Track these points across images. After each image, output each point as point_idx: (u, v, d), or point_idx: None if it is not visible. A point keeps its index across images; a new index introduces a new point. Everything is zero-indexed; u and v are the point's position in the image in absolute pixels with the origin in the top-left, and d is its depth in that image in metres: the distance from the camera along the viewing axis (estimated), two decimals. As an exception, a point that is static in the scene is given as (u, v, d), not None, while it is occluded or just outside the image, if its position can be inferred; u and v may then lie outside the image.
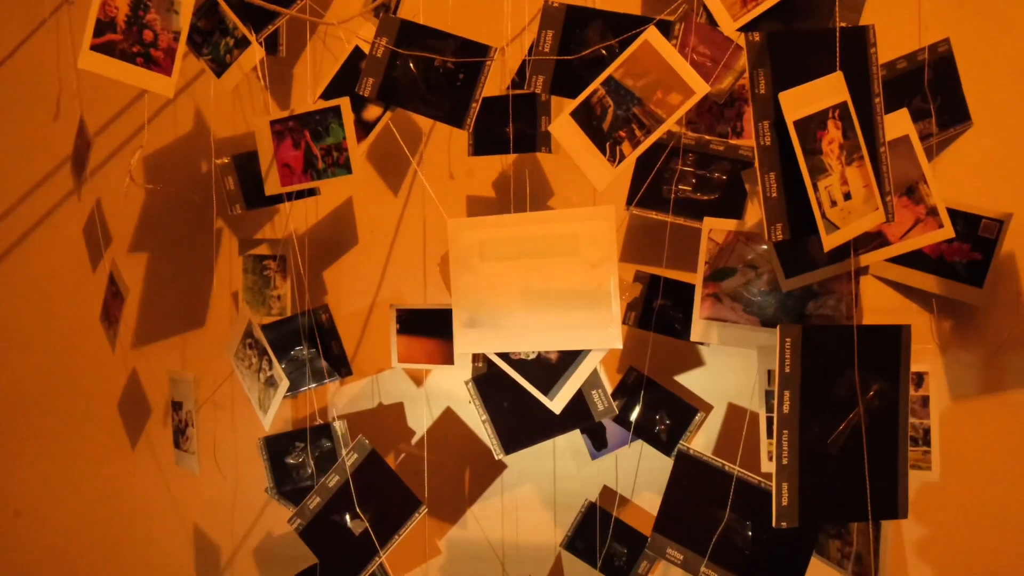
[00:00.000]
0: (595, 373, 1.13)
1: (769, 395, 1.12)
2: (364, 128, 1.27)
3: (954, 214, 1.08)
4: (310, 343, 1.38)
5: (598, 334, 1.07)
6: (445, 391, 1.48)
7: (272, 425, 1.31)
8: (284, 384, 1.25)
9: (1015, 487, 1.17)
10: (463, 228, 1.13)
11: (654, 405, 1.24)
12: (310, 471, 1.34)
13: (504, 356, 1.14)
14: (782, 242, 1.00)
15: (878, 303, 1.18)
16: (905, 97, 1.11)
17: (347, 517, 1.23)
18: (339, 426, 1.34)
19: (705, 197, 1.19)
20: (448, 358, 1.28)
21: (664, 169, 1.21)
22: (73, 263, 1.66)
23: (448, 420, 1.50)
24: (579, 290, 1.08)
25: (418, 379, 1.52)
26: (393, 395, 1.54)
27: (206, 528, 1.61)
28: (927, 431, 1.09)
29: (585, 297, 1.07)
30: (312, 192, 1.36)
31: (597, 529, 1.26)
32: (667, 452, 1.24)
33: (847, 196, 0.91)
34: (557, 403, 1.12)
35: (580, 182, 1.24)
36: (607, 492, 1.34)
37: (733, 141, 1.19)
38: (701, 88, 1.02)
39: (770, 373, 1.12)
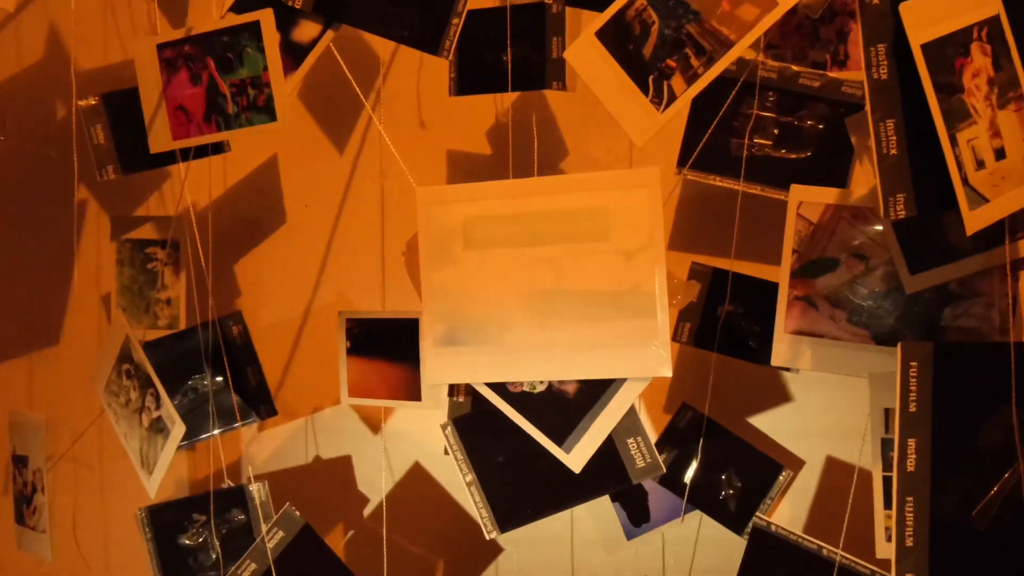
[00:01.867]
0: (632, 413, 1.12)
1: (887, 445, 1.12)
2: (295, 54, 1.26)
3: None
4: (215, 369, 1.37)
5: (636, 356, 1.07)
6: (412, 438, 1.47)
7: (159, 490, 1.30)
8: (178, 429, 1.25)
9: None
10: (439, 201, 1.13)
11: (719, 460, 1.24)
12: (215, 557, 1.33)
13: (498, 388, 1.14)
14: (905, 221, 0.99)
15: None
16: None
17: (269, 624, 1.24)
18: (257, 490, 1.33)
19: (792, 155, 1.19)
20: (417, 391, 1.27)
21: (733, 115, 1.20)
22: None
23: (417, 481, 1.49)
24: (609, 292, 1.07)
25: (374, 421, 1.52)
26: (337, 444, 1.54)
27: (62, 642, 1.60)
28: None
29: (618, 302, 1.07)
30: (219, 148, 1.36)
31: (635, 643, 1.26)
32: (738, 529, 1.24)
33: (1000, 154, 0.91)
34: (576, 458, 1.12)
35: (610, 133, 1.24)
36: (650, 588, 1.34)
37: (833, 74, 1.18)
38: (787, -4, 1.02)
39: (888, 412, 1.12)
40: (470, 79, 1.30)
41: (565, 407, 1.13)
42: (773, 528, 1.10)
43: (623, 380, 1.10)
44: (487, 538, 1.18)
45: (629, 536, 1.31)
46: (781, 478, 1.23)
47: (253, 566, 1.25)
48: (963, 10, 0.90)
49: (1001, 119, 0.91)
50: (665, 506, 1.29)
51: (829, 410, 1.31)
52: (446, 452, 1.20)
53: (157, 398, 1.27)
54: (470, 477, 1.18)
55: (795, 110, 1.19)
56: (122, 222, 1.53)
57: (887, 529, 1.12)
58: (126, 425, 1.34)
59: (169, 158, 1.33)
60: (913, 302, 1.08)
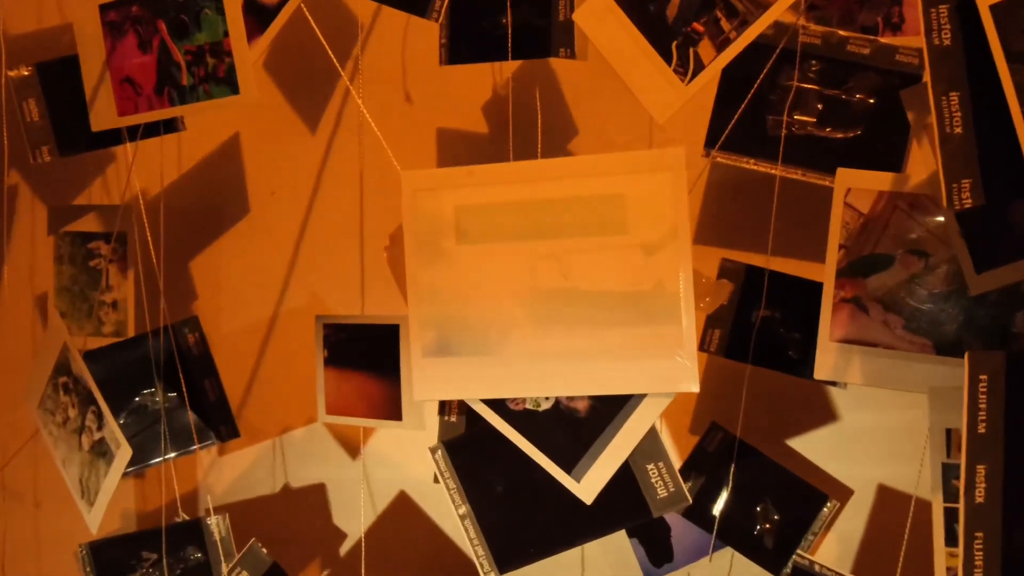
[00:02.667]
0: (652, 435, 1.12)
1: (950, 471, 1.11)
2: (260, 17, 1.26)
3: None
4: (168, 383, 1.37)
5: (658, 368, 1.07)
6: (397, 464, 1.47)
7: (103, 523, 1.30)
8: (124, 453, 1.25)
9: None
10: (427, 187, 1.13)
11: (753, 489, 1.24)
12: (167, 602, 1.34)
13: (497, 406, 1.14)
14: (971, 211, 0.99)
15: None
16: None
17: None
18: (217, 524, 1.34)
19: (839, 134, 1.19)
20: (400, 408, 1.27)
21: (770, 87, 1.20)
22: None
23: (402, 514, 1.49)
24: (626, 293, 1.07)
25: (352, 443, 1.51)
26: (309, 471, 1.53)
27: None
28: None
29: (636, 305, 1.07)
30: (172, 126, 1.35)
31: None
32: (775, 569, 1.23)
33: (1083, 132, 0.90)
34: (588, 487, 1.12)
35: (627, 109, 1.23)
36: (674, 638, 1.33)
37: (886, 40, 1.18)
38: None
39: (951, 434, 1.11)
40: (464, 46, 1.29)
41: (575, 428, 1.12)
42: (817, 568, 1.10)
43: (642, 396, 1.10)
44: (484, 580, 1.18)
45: (649, 577, 1.30)
46: (826, 510, 1.22)
47: (212, 613, 1.25)
48: (1040, -36, 0.90)
49: (1084, 92, 0.90)
50: (691, 543, 1.29)
51: (882, 431, 1.31)
52: (436, 480, 1.20)
53: (100, 417, 1.27)
54: (464, 509, 1.18)
55: (842, 82, 1.19)
56: (60, 213, 1.53)
57: (950, 570, 1.11)
58: (64, 448, 1.34)
59: (114, 138, 1.33)
60: (980, 305, 1.08)
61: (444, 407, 1.29)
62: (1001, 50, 0.90)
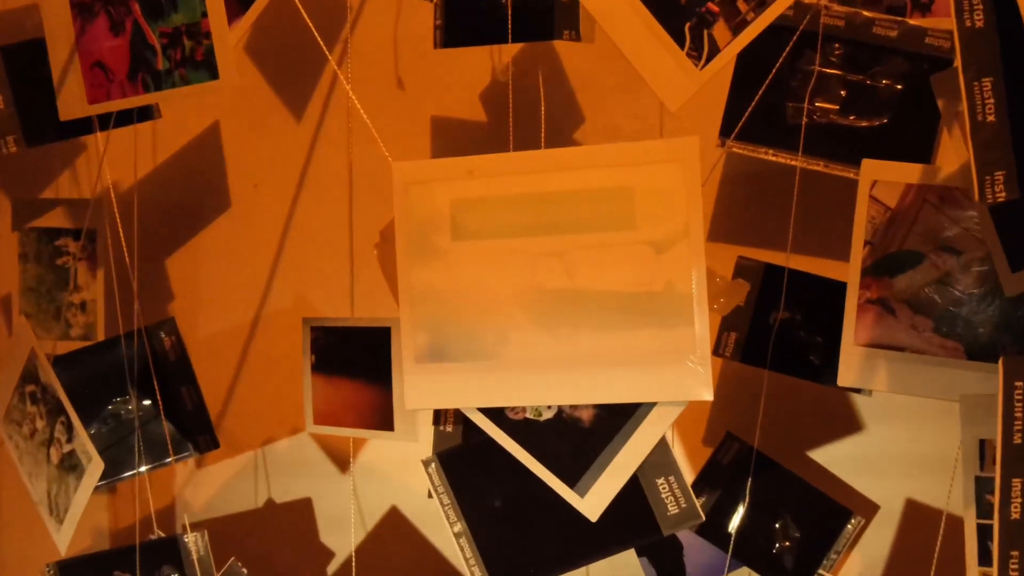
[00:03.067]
0: (663, 446, 1.12)
1: (984, 485, 1.11)
2: (241, -2, 1.26)
3: None
4: (142, 391, 1.37)
5: (669, 374, 1.07)
6: (389, 477, 1.47)
7: (72, 542, 1.30)
8: (95, 467, 1.24)
9: None
10: (421, 179, 1.13)
11: (772, 504, 1.23)
12: (142, 625, 1.34)
13: (495, 415, 1.14)
14: (1006, 205, 0.99)
15: None
16: None
17: None
18: (195, 541, 1.33)
19: (864, 122, 1.18)
20: (391, 417, 1.27)
21: (789, 72, 1.20)
22: None
23: (394, 531, 1.48)
24: (635, 293, 1.08)
25: (341, 456, 1.51)
26: (294, 485, 1.53)
27: None
28: None
29: (646, 306, 1.07)
30: (147, 114, 1.35)
31: None
32: (795, 590, 1.23)
33: None
34: (593, 503, 1.12)
35: (636, 95, 1.23)
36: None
37: (915, 21, 1.18)
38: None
39: (985, 445, 1.11)
40: (460, 28, 1.29)
41: (579, 439, 1.13)
42: (841, 590, 1.10)
43: (652, 405, 1.10)
44: (481, 602, 1.18)
45: (659, 600, 1.30)
46: (850, 526, 1.22)
47: (189, 637, 1.25)
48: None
49: None
50: (704, 562, 1.28)
51: (910, 441, 1.31)
52: (430, 495, 1.20)
53: (69, 428, 1.27)
54: (459, 526, 1.18)
55: (867, 66, 1.19)
56: (25, 207, 1.54)
57: (984, 592, 1.11)
58: (31, 462, 1.34)
59: (84, 127, 1.33)
60: (1016, 306, 1.07)
61: (439, 417, 1.29)
62: (1038, 31, 0.90)
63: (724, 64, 1.08)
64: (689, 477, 1.18)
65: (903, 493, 1.33)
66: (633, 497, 1.12)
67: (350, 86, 1.30)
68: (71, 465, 1.28)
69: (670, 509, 1.13)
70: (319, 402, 1.33)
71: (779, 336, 1.22)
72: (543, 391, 1.11)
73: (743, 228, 1.36)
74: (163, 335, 1.39)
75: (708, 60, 1.06)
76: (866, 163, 1.12)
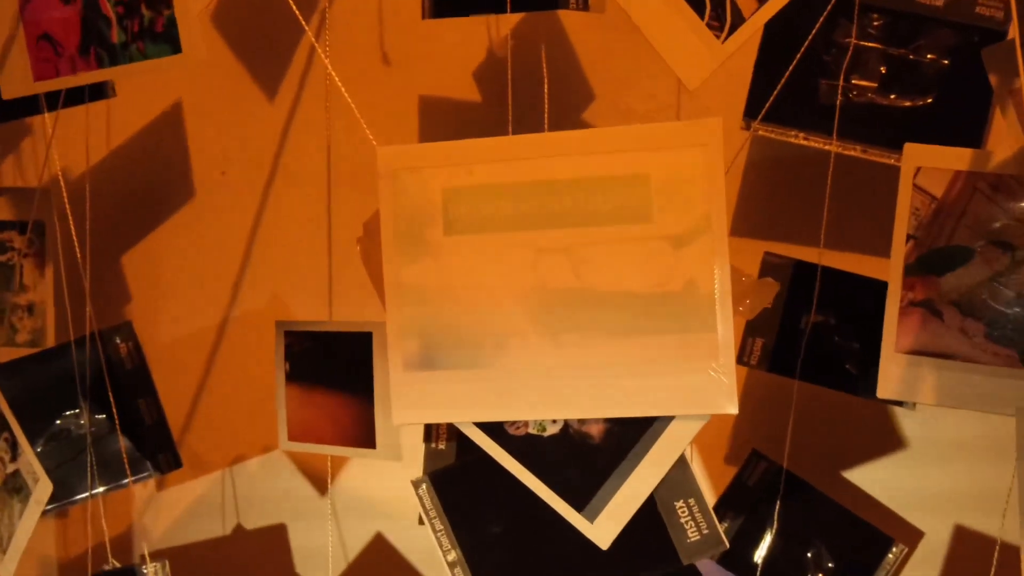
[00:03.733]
0: (682, 465, 1.12)
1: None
2: (206, -39, 1.26)
3: None
4: (96, 403, 1.36)
5: (689, 384, 1.07)
6: (374, 500, 1.47)
7: (17, 573, 1.31)
8: (43, 489, 1.24)
9: None
10: (409, 166, 1.13)
11: (803, 531, 1.23)
12: (95, 665, 1.33)
13: (493, 430, 1.13)
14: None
15: None
16: None
17: None
18: (155, 572, 1.34)
19: (907, 102, 1.19)
20: (372, 434, 1.27)
21: (823, 46, 1.20)
22: None
23: (379, 560, 1.49)
24: (651, 294, 1.07)
25: (319, 476, 1.51)
26: (267, 509, 1.53)
27: None
28: None
29: (663, 308, 1.07)
30: (101, 92, 1.35)
31: None
32: (830, 627, 1.23)
33: None
34: (604, 528, 1.12)
35: (652, 72, 1.23)
36: None
37: (962, -10, 1.18)
38: None
39: (1043, 464, 1.11)
40: (452, -3, 1.29)
41: (588, 457, 1.12)
42: (882, 627, 1.10)
43: (669, 419, 1.10)
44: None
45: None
46: (891, 556, 1.22)
47: None
48: None
49: None
50: (728, 595, 1.28)
51: (958, 461, 1.31)
52: (421, 521, 1.19)
53: (14, 445, 1.27)
54: (453, 555, 1.18)
55: (910, 39, 1.19)
56: (-35, 198, 1.53)
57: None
58: (-31, 482, 1.34)
59: (30, 106, 1.32)
60: (1080, 310, 1.07)
61: (430, 432, 1.29)
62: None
63: (749, 36, 1.08)
64: (711, 500, 1.18)
65: (951, 519, 1.33)
66: (649, 522, 1.13)
67: (329, 61, 1.30)
68: (15, 487, 1.28)
69: (690, 535, 1.13)
70: (294, 416, 1.33)
71: (811, 342, 1.23)
72: (547, 403, 1.11)
73: (771, 221, 1.36)
74: (119, 341, 1.39)
75: (731, 32, 1.06)
76: (909, 147, 1.12)
